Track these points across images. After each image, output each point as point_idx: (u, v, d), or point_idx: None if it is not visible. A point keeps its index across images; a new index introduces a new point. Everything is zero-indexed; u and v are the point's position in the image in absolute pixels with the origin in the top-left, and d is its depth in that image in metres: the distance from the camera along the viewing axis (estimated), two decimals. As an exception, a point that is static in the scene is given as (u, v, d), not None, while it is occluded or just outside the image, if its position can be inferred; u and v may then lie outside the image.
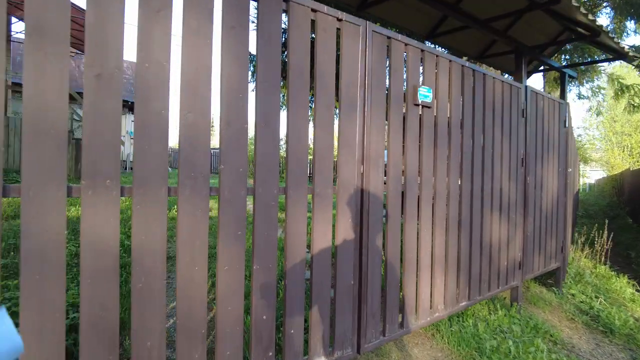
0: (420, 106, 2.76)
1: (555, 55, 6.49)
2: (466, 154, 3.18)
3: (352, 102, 2.29)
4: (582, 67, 7.13)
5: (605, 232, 6.66)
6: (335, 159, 2.25)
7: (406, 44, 2.65)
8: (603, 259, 6.64)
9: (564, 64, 6.83)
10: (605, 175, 26.68)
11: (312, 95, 2.12)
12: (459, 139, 3.11)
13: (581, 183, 31.13)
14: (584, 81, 7.74)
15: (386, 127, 2.51)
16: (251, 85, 6.41)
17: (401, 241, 2.63)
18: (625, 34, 9.16)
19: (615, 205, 18.35)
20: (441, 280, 2.96)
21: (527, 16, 4.22)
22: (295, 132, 2.02)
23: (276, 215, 1.95)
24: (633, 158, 21.40)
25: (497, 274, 3.63)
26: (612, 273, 6.24)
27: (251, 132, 10.39)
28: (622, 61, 4.50)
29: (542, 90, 4.75)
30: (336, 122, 2.25)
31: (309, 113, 2.09)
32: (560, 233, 4.78)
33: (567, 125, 4.79)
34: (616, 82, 7.43)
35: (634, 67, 8.73)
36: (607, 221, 7.36)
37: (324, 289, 2.16)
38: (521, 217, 3.97)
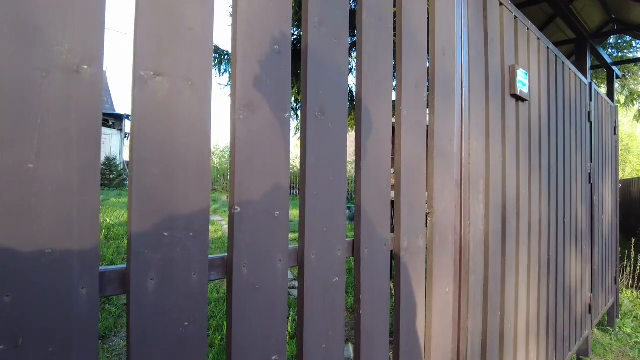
0: (516, 99, 1.84)
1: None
2: (552, 168, 2.29)
3: (448, 81, 1.33)
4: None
5: (633, 252, 5.99)
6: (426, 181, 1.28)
7: (501, 4, 1.73)
8: (633, 282, 5.96)
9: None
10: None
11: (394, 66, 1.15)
12: (547, 148, 2.21)
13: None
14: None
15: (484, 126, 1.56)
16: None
17: (501, 306, 1.68)
18: None
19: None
20: (535, 354, 2.02)
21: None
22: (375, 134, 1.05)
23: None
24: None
25: (574, 325, 2.74)
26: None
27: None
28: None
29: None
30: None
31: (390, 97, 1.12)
32: (614, 262, 3.99)
33: (616, 132, 4.04)
34: (626, 89, 6.93)
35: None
36: (634, 240, 6.72)
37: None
38: (589, 247, 3.13)
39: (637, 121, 7.43)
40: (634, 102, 7.05)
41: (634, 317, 4.60)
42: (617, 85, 7.18)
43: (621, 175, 20.07)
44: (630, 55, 6.21)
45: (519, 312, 1.83)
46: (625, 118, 21.14)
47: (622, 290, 5.83)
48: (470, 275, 1.39)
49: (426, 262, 1.25)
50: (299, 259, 0.88)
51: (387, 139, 1.07)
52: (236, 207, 0.77)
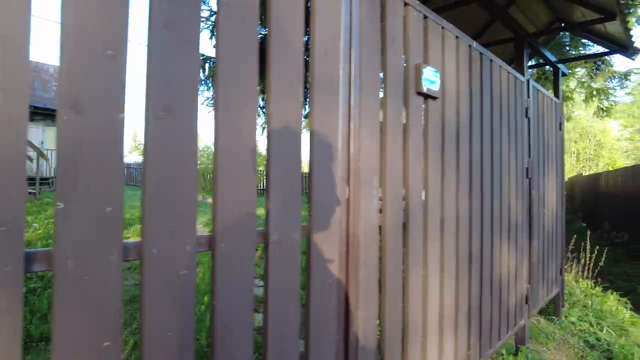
0: (424, 96, 1.89)
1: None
2: (476, 163, 2.36)
3: (332, 82, 1.38)
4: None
5: (588, 243, 6.18)
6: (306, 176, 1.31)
7: (406, 4, 1.78)
8: (588, 273, 6.15)
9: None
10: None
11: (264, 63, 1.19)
12: (468, 144, 2.28)
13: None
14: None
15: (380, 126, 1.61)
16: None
17: (403, 299, 1.74)
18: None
19: (568, 210, 18.75)
20: (452, 345, 2.09)
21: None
22: (229, 127, 1.08)
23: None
24: (580, 163, 22.15)
25: (506, 315, 2.83)
26: (597, 289, 5.75)
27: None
28: (625, 56, 3.93)
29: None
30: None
31: (257, 94, 1.15)
32: (559, 253, 4.13)
33: (562, 128, 4.17)
34: (585, 85, 7.13)
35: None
36: (588, 232, 6.93)
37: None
38: (527, 240, 3.23)
39: (598, 117, 7.64)
40: (593, 98, 7.26)
41: (583, 306, 4.76)
42: (575, 83, 7.38)
43: (594, 170, 20.64)
44: (584, 52, 6.37)
45: (429, 304, 1.89)
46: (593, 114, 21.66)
47: (577, 280, 6.03)
48: (360, 267, 1.44)
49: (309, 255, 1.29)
50: (140, 252, 0.91)
51: (251, 136, 1.11)
52: (59, 203, 0.80)
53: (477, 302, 2.38)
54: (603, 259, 8.68)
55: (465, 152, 2.24)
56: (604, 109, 7.41)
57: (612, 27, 3.57)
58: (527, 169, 3.21)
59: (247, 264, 1.10)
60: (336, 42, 1.39)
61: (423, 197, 1.86)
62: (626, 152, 24.11)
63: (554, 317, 4.16)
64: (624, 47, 3.91)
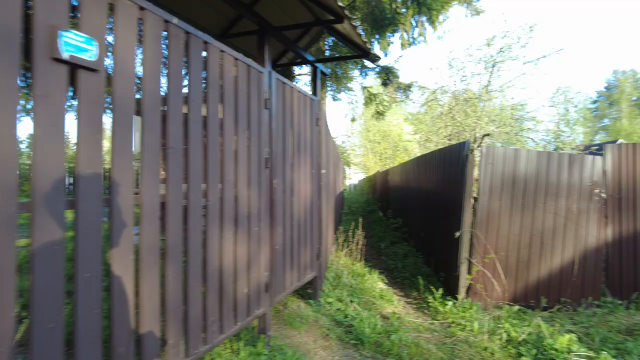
0: (70, 65, 1.58)
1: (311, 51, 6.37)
2: (175, 150, 2.18)
3: None
4: (338, 72, 7.38)
5: (360, 228, 6.95)
6: None
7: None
8: (359, 256, 6.91)
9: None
10: (364, 177, 31.57)
11: None
12: (159, 126, 2.08)
13: (348, 184, 36.08)
14: (341, 88, 8.25)
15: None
16: None
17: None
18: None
19: (371, 201, 21.50)
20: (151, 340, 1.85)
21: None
22: None
23: None
24: (382, 162, 25.72)
25: (233, 307, 2.78)
26: (367, 269, 6.52)
27: None
28: (367, 61, 4.43)
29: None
30: None
31: None
32: (315, 239, 4.41)
33: (319, 124, 4.47)
34: (366, 91, 8.11)
35: (377, 75, 9.84)
36: (361, 218, 7.84)
37: None
38: (267, 229, 3.28)
39: (376, 120, 8.80)
40: (372, 101, 8.30)
41: (344, 287, 5.27)
42: (357, 86, 8.32)
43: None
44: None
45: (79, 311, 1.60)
46: (395, 118, 25.47)
47: (354, 263, 6.72)
48: None
49: None
50: None
51: None
52: None
53: (179, 296, 2.21)
54: (384, 243, 10.06)
55: (156, 135, 2.03)
56: (380, 112, 8.54)
57: (353, 33, 3.94)
58: (266, 159, 3.25)
59: None
60: None
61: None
62: (417, 154, 29.13)
63: (311, 301, 4.44)
64: (366, 53, 4.40)
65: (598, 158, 5.31)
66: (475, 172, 5.40)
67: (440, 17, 10.37)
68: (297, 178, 3.89)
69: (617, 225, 5.26)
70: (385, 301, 5.23)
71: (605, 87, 66.22)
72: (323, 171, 4.57)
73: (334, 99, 8.90)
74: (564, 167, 5.22)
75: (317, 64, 4.50)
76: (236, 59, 2.82)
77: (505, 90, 10.48)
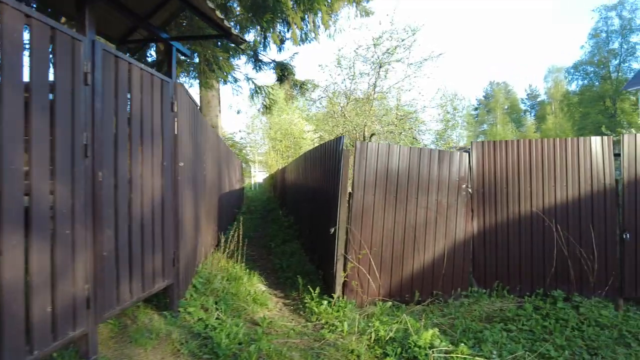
0: None
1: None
2: None
3: None
4: (219, 60, 6.81)
5: (241, 229, 6.51)
6: None
7: None
8: (239, 257, 6.45)
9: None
10: (267, 175, 31.09)
11: None
12: None
13: (252, 182, 35.27)
14: (219, 78, 7.70)
15: None
16: None
17: None
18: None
19: (272, 199, 21.16)
20: None
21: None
22: None
23: None
24: (284, 160, 25.55)
25: (23, 333, 2.16)
26: (246, 271, 6.07)
27: None
28: (228, 41, 4.02)
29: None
30: None
31: None
32: (170, 243, 3.86)
33: (175, 109, 3.93)
34: (251, 82, 7.73)
35: (272, 71, 9.49)
36: (241, 218, 7.40)
37: None
38: (89, 231, 2.69)
39: (263, 114, 8.45)
40: (258, 94, 7.92)
41: (212, 292, 4.78)
42: (244, 78, 7.87)
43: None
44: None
45: None
46: (297, 117, 25.49)
47: (234, 266, 6.22)
48: None
49: None
50: None
51: None
52: None
53: None
54: (275, 242, 9.70)
55: None
56: (267, 106, 8.20)
57: (204, 5, 3.49)
58: (85, 145, 2.65)
59: None
60: None
61: None
62: (310, 151, 29.55)
63: (166, 313, 3.89)
64: (227, 32, 3.98)
65: (465, 154, 5.58)
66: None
67: (332, 16, 10.43)
68: (140, 171, 3.33)
69: (481, 218, 5.56)
70: (258, 305, 4.88)
71: (484, 96, 75.06)
72: (181, 164, 4.04)
73: (206, 86, 8.24)
74: (434, 162, 5.38)
75: (173, 42, 3.96)
76: (28, 15, 2.20)
77: (392, 90, 10.91)
